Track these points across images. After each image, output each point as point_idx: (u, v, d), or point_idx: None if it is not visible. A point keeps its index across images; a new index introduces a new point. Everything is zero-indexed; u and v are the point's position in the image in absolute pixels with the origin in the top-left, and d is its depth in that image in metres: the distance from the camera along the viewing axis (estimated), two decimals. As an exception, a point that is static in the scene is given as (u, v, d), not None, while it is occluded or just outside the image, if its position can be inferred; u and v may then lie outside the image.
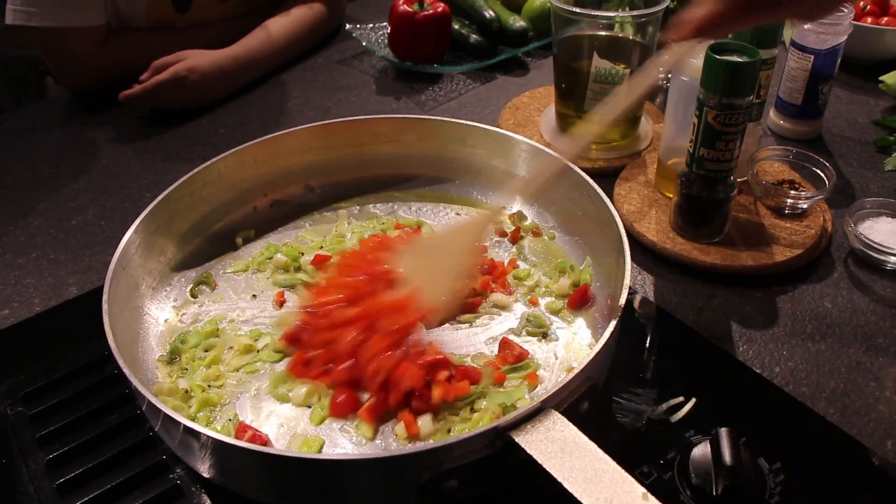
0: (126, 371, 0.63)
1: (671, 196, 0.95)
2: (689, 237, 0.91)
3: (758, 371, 0.78)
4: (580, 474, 0.55)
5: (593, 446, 0.57)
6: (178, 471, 0.69)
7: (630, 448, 0.70)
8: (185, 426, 0.60)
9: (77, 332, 0.81)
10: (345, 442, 0.69)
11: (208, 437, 0.59)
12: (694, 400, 0.74)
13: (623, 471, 0.55)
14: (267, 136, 0.94)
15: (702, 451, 0.68)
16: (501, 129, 0.95)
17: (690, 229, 0.91)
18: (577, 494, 0.53)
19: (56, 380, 0.77)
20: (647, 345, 0.82)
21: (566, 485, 0.54)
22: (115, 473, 0.68)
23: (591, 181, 0.84)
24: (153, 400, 0.61)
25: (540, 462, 0.56)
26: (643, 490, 0.54)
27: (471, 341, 0.78)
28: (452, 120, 0.96)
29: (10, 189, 1.10)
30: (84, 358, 0.79)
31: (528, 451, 0.57)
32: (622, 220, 0.78)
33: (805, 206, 0.95)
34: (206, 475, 0.66)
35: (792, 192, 0.95)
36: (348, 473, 0.59)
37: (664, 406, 0.74)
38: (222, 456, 0.61)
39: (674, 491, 0.66)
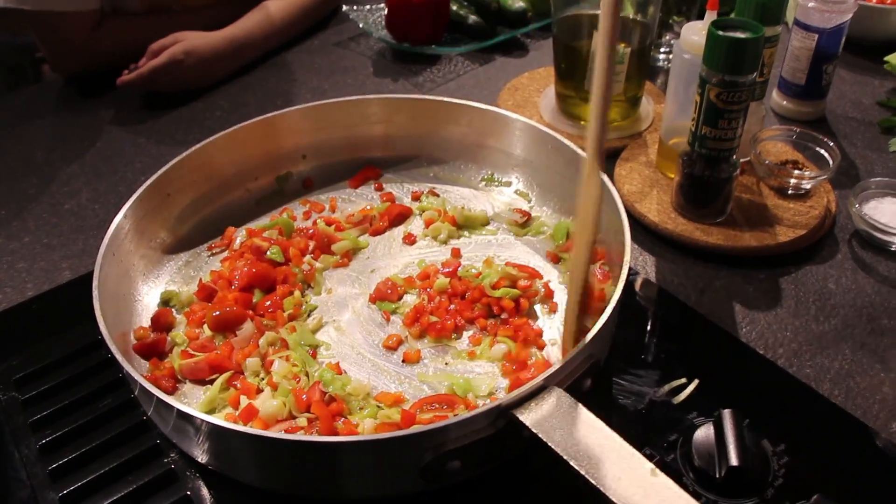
0: (118, 356, 0.62)
1: (672, 176, 0.94)
2: (691, 217, 0.90)
3: (761, 352, 0.77)
4: (586, 452, 0.53)
5: (599, 423, 0.56)
6: (171, 455, 0.68)
7: (632, 430, 0.68)
8: (178, 410, 0.59)
9: (70, 317, 0.80)
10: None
11: (202, 420, 0.58)
12: (697, 381, 0.73)
13: (630, 447, 0.54)
14: (257, 117, 0.92)
15: (705, 433, 0.67)
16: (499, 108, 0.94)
17: (692, 209, 0.90)
18: (583, 472, 0.52)
19: (49, 364, 0.76)
20: (649, 326, 0.81)
21: (573, 463, 0.53)
22: (108, 458, 0.67)
23: None
24: (145, 385, 0.60)
25: (545, 440, 0.55)
26: (651, 466, 0.53)
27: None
28: (444, 99, 0.95)
29: (2, 173, 1.09)
30: (77, 342, 0.78)
31: (533, 430, 0.55)
32: (623, 201, 0.77)
33: (808, 186, 0.93)
34: (200, 460, 0.65)
35: (796, 172, 0.93)
36: (348, 456, 0.58)
37: (666, 388, 0.73)
38: (216, 440, 0.60)
39: (676, 473, 0.65)
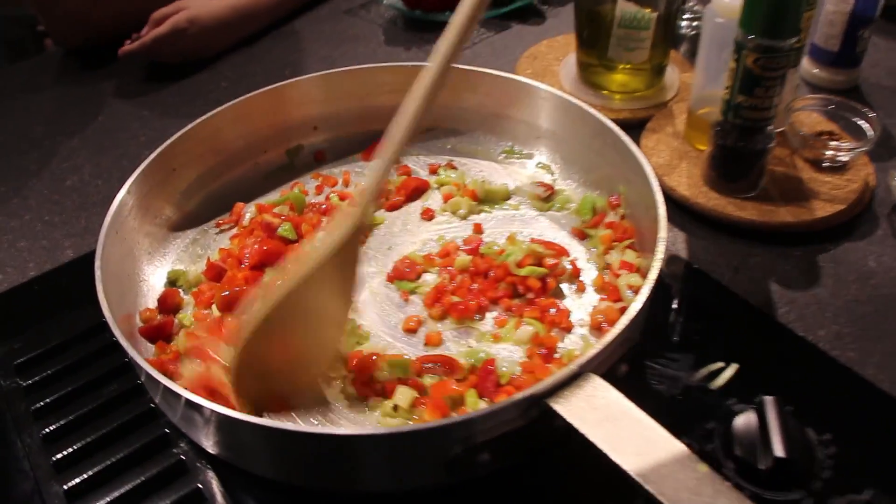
0: (122, 341, 0.58)
1: (702, 148, 0.89)
2: (723, 191, 0.86)
3: (801, 334, 0.73)
4: (630, 445, 0.50)
5: (640, 413, 0.52)
6: (181, 445, 0.64)
7: (667, 418, 0.63)
8: (186, 399, 0.55)
9: (73, 298, 0.76)
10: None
11: (212, 411, 0.54)
12: (735, 366, 0.69)
13: (676, 440, 0.50)
14: (266, 87, 0.88)
15: (745, 420, 0.63)
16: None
17: (724, 183, 0.85)
18: (627, 468, 0.48)
19: (52, 348, 0.73)
20: (679, 306, 0.77)
21: (614, 457, 0.49)
22: (114, 448, 0.64)
23: (617, 130, 0.78)
24: (151, 371, 0.56)
25: (583, 433, 0.51)
26: (702, 464, 0.49)
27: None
28: (462, 67, 0.90)
29: (1, 149, 1.05)
30: (81, 325, 0.74)
31: (569, 421, 0.51)
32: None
33: (846, 158, 0.88)
34: (211, 451, 0.61)
35: (832, 143, 0.89)
36: (370, 450, 0.54)
37: (703, 372, 0.69)
38: (228, 431, 0.57)
39: (716, 464, 0.61)
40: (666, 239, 0.66)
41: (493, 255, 0.76)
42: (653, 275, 0.63)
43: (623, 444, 0.50)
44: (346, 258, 0.62)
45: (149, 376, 0.57)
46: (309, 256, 0.61)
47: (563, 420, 0.52)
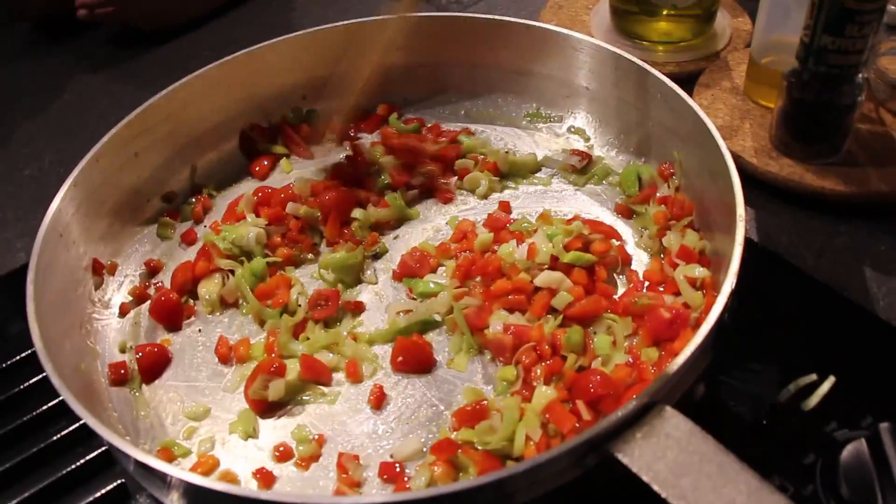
0: (58, 384, 0.45)
1: (770, 105, 0.75)
2: (800, 157, 0.72)
3: (912, 334, 0.59)
4: None
5: (737, 462, 0.39)
6: (139, 499, 0.51)
7: (752, 450, 0.50)
8: (136, 460, 0.42)
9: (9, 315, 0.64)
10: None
11: (174, 477, 0.41)
12: (832, 379, 0.54)
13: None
14: (242, 51, 0.76)
15: (854, 452, 0.50)
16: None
17: (801, 146, 0.71)
18: None
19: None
20: (753, 301, 0.62)
21: None
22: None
23: (670, 83, 0.66)
24: (95, 426, 0.43)
25: (662, 493, 0.37)
26: None
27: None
28: (476, 16, 0.78)
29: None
30: (18, 348, 0.61)
31: (644, 477, 0.38)
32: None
33: (946, 109, 0.73)
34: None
35: (929, 92, 0.73)
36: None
37: (791, 388, 0.55)
38: (192, 498, 0.44)
39: (818, 510, 0.48)
40: (745, 218, 0.52)
41: (525, 232, 0.62)
42: (733, 267, 0.49)
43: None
44: None
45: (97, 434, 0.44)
46: None
47: (630, 470, 0.39)
